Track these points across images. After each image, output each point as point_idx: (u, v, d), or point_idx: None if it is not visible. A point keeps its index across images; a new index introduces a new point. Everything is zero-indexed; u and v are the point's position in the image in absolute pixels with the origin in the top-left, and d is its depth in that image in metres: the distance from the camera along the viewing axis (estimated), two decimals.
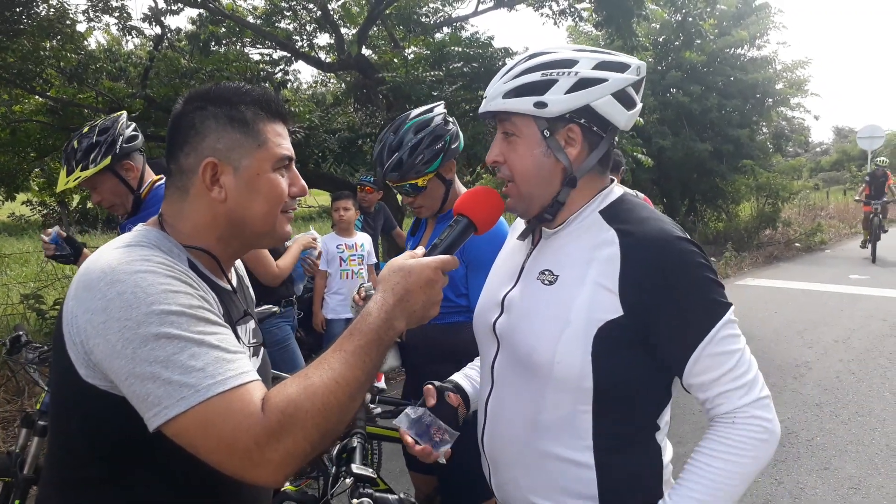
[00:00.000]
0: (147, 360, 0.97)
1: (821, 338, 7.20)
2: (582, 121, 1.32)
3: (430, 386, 1.49)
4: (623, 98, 1.33)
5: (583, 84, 1.29)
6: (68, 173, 2.58)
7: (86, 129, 2.63)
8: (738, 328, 1.29)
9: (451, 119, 2.31)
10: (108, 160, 2.56)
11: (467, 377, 1.61)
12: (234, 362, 1.02)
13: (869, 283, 10.33)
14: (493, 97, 1.33)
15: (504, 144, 1.36)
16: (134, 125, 2.74)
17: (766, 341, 7.09)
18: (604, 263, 1.28)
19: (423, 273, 1.15)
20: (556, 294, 1.32)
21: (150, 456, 1.08)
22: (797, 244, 15.05)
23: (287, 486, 2.72)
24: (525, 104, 1.30)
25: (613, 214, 1.34)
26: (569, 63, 1.31)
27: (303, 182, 1.27)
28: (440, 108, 2.32)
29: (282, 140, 1.23)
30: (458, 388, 1.55)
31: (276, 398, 1.00)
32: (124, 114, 2.74)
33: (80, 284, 1.05)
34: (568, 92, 1.29)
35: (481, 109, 1.37)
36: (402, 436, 1.41)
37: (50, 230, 2.70)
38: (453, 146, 2.26)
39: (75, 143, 2.59)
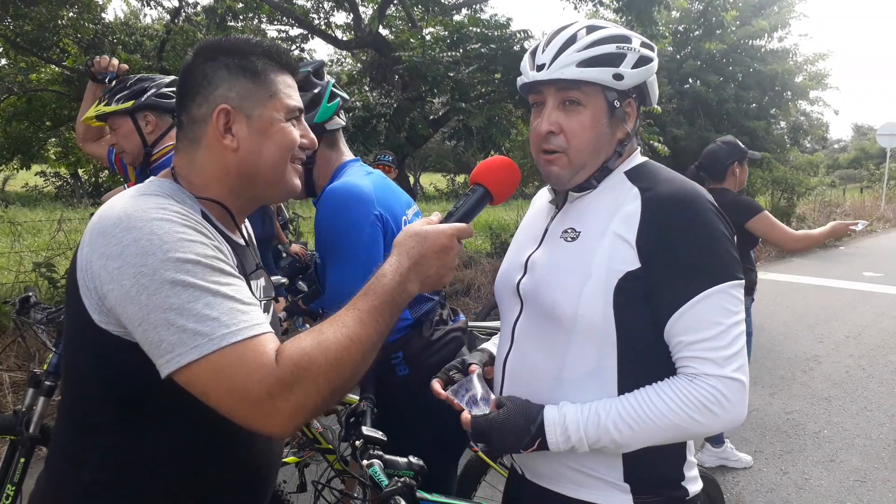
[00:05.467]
0: (161, 307, 0.98)
1: (832, 333, 7.14)
2: (634, 96, 1.38)
3: (474, 365, 1.50)
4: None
5: (642, 61, 1.34)
6: (96, 105, 2.73)
7: (130, 74, 2.80)
8: (739, 305, 1.26)
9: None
10: (129, 103, 2.63)
11: (495, 344, 1.62)
12: (249, 313, 1.02)
13: (882, 281, 10.23)
14: (564, 65, 1.30)
15: (560, 114, 1.33)
16: (174, 88, 2.80)
17: (776, 334, 7.05)
18: (624, 217, 1.29)
19: (438, 239, 1.16)
20: (577, 248, 1.33)
21: (164, 401, 1.09)
22: None
23: (290, 458, 2.73)
24: (604, 74, 1.30)
25: (638, 175, 1.37)
26: (627, 39, 1.34)
27: (312, 135, 1.28)
28: (307, 68, 2.02)
29: (292, 91, 1.24)
30: (492, 357, 1.58)
31: (289, 350, 1.01)
32: (173, 78, 2.81)
33: (95, 230, 1.05)
34: (634, 67, 1.33)
35: (547, 76, 1.31)
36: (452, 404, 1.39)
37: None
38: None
39: (114, 82, 2.77)
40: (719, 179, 3.80)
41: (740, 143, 3.82)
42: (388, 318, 1.10)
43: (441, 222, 1.21)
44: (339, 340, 1.03)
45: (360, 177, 1.94)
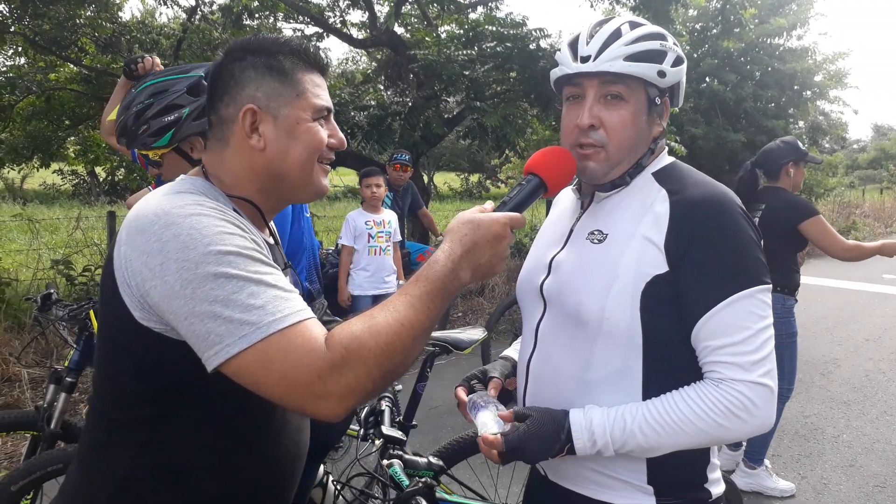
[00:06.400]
0: (207, 300, 0.98)
1: (851, 336, 7.06)
2: (669, 94, 1.38)
3: (497, 378, 1.50)
4: None
5: (678, 61, 1.35)
6: None
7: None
8: (767, 310, 1.24)
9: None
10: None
11: (516, 350, 1.60)
12: (291, 300, 1.03)
13: None
14: (611, 59, 1.29)
15: (601, 107, 1.32)
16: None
17: None
18: (653, 220, 1.28)
19: (491, 227, 1.15)
20: (604, 251, 1.32)
21: (199, 398, 1.11)
22: None
23: None
24: (649, 70, 1.30)
25: (666, 176, 1.36)
26: (666, 37, 1.34)
27: (341, 135, 1.27)
28: (198, 72, 1.89)
29: (320, 91, 1.24)
30: (514, 368, 1.56)
31: (339, 334, 1.01)
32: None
33: (133, 229, 1.06)
34: (673, 66, 1.33)
35: (593, 69, 1.29)
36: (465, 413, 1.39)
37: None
38: (197, 121, 1.86)
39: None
40: (773, 178, 3.77)
41: (800, 145, 3.75)
42: (440, 304, 1.09)
43: (494, 211, 1.21)
44: (391, 324, 1.03)
45: None
